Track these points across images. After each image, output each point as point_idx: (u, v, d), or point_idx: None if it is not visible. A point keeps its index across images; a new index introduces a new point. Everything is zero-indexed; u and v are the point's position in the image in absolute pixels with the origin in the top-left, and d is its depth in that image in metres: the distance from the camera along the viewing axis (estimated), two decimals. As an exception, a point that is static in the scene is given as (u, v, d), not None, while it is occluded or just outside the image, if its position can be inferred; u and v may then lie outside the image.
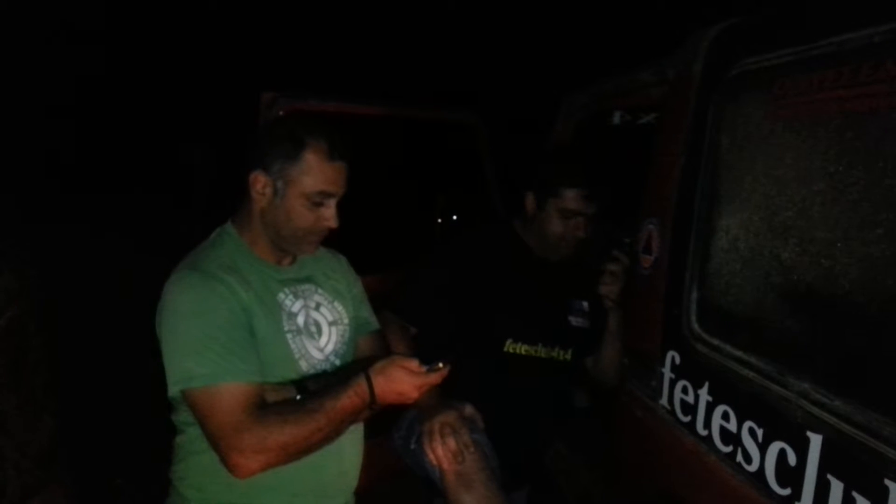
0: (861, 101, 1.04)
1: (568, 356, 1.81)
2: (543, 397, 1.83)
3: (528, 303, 1.77)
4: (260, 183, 1.28)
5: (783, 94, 1.22)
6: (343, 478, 1.41)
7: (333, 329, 1.41)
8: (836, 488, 1.00)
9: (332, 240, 1.40)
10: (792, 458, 1.10)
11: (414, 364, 1.23)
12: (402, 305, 1.72)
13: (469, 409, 1.45)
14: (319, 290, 1.43)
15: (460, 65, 6.99)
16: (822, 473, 1.04)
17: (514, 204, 1.89)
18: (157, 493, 1.41)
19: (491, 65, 7.00)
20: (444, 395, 1.44)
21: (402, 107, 3.02)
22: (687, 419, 1.43)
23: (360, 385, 1.21)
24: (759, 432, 1.19)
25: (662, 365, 1.53)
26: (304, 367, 1.32)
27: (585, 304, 1.85)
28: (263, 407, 1.19)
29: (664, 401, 1.52)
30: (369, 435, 1.47)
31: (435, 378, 1.25)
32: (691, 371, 1.43)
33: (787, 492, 1.11)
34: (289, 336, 1.31)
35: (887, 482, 0.92)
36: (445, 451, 1.34)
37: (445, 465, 1.34)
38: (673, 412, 1.48)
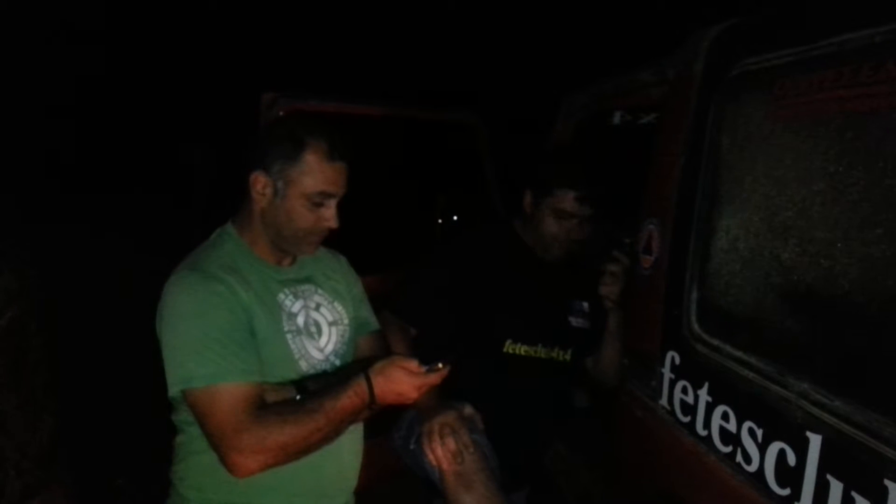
0: (861, 101, 1.04)
1: (568, 357, 1.81)
2: (543, 398, 1.83)
3: (527, 303, 1.77)
4: (260, 183, 1.28)
5: (783, 95, 1.22)
6: (342, 477, 1.41)
7: (333, 329, 1.41)
8: (836, 488, 1.00)
9: (332, 240, 1.40)
10: (791, 459, 1.10)
11: (413, 364, 1.23)
12: (401, 306, 1.72)
13: (468, 410, 1.45)
14: (319, 291, 1.43)
15: (460, 65, 6.99)
16: (822, 474, 1.04)
17: (514, 204, 1.89)
18: (157, 493, 1.41)
19: (491, 65, 7.00)
20: (443, 396, 1.44)
21: (402, 107, 3.02)
22: (687, 419, 1.43)
23: (359, 385, 1.21)
24: (759, 432, 1.19)
25: (662, 365, 1.53)
26: (304, 367, 1.32)
27: (585, 304, 1.85)
28: (263, 407, 1.19)
29: (664, 401, 1.52)
30: (369, 435, 1.47)
31: (434, 378, 1.25)
32: (691, 371, 1.43)
33: (786, 492, 1.11)
34: (289, 336, 1.31)
35: (887, 482, 0.92)
36: (445, 451, 1.34)
37: (445, 466, 1.35)
38: (673, 412, 1.48)
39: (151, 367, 1.30)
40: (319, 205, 1.29)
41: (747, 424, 1.22)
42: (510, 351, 1.75)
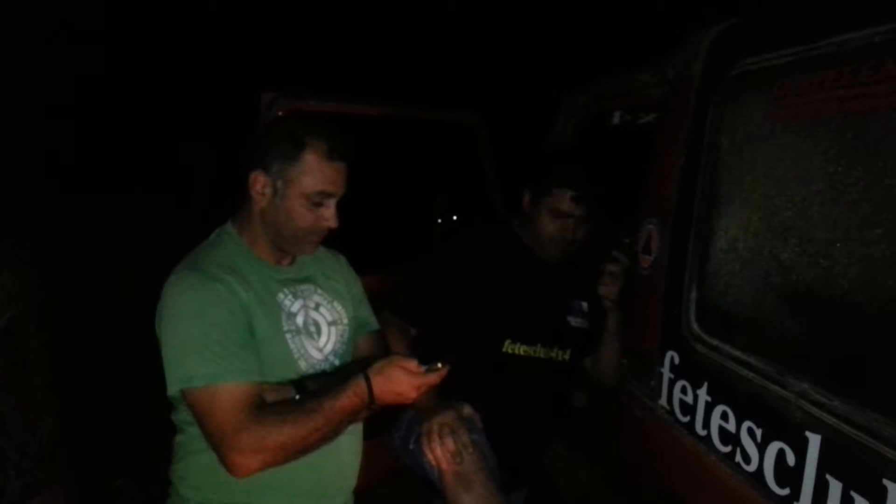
0: (861, 101, 1.04)
1: (567, 356, 1.81)
2: (542, 398, 1.83)
3: (527, 303, 1.77)
4: (260, 183, 1.28)
5: (783, 95, 1.22)
6: (342, 477, 1.41)
7: (332, 329, 1.41)
8: (835, 488, 1.00)
9: (331, 240, 1.40)
10: (791, 458, 1.10)
11: (413, 364, 1.23)
12: (401, 306, 1.72)
13: (467, 410, 1.45)
14: (319, 291, 1.43)
15: (460, 65, 6.99)
16: (821, 473, 1.04)
17: (513, 204, 1.89)
18: (157, 493, 1.41)
19: (491, 65, 7.00)
20: (442, 396, 1.44)
21: (402, 107, 3.02)
22: (686, 419, 1.43)
23: (358, 385, 1.21)
24: (758, 432, 1.19)
25: (661, 365, 1.53)
26: (304, 366, 1.32)
27: (585, 304, 1.85)
28: (262, 407, 1.19)
29: (663, 401, 1.52)
30: (368, 435, 1.47)
31: (434, 378, 1.25)
32: (690, 371, 1.43)
33: (785, 492, 1.11)
34: (288, 336, 1.31)
35: (886, 482, 0.92)
36: (444, 451, 1.34)
37: (444, 466, 1.35)
38: (672, 412, 1.48)
39: (151, 366, 1.30)
40: (319, 204, 1.29)
41: (747, 424, 1.22)
42: (509, 351, 1.75)
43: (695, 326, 1.42)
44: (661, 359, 1.54)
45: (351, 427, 1.32)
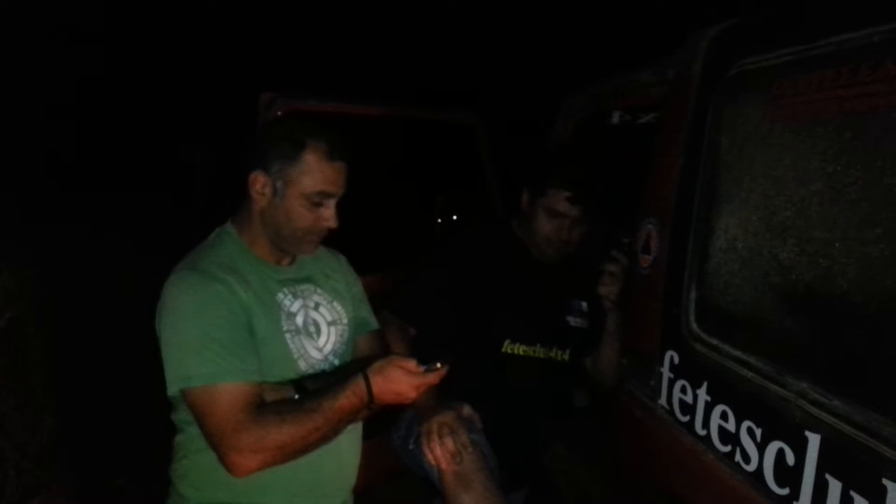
0: (860, 100, 1.04)
1: (566, 356, 1.81)
2: (542, 398, 1.83)
3: (526, 303, 1.77)
4: (259, 183, 1.28)
5: (782, 94, 1.22)
6: (341, 477, 1.41)
7: (332, 329, 1.41)
8: (835, 488, 1.00)
9: (331, 240, 1.40)
10: (790, 458, 1.10)
11: (412, 364, 1.23)
12: (400, 306, 1.72)
13: (467, 410, 1.45)
14: (319, 290, 1.43)
15: (460, 65, 6.99)
16: (821, 473, 1.04)
17: (513, 204, 1.90)
18: (157, 493, 1.41)
19: (491, 65, 7.00)
20: (442, 396, 1.44)
21: (402, 107, 3.02)
22: (686, 419, 1.43)
23: (357, 385, 1.21)
24: (758, 432, 1.19)
25: (661, 365, 1.53)
26: (303, 366, 1.32)
27: (584, 304, 1.85)
28: (262, 406, 1.19)
29: (663, 400, 1.52)
30: (368, 434, 1.47)
31: (433, 378, 1.25)
32: (690, 371, 1.43)
33: (785, 491, 1.11)
34: (287, 336, 1.31)
35: (885, 482, 0.92)
36: (443, 451, 1.34)
37: (444, 466, 1.35)
38: (672, 412, 1.48)
39: (151, 366, 1.30)
40: (318, 205, 1.29)
41: (746, 424, 1.22)
42: (509, 351, 1.75)
43: (694, 326, 1.42)
44: (660, 358, 1.54)
45: (350, 427, 1.32)
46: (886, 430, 0.93)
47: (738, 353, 1.28)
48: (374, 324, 1.54)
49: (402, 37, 7.32)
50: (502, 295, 1.75)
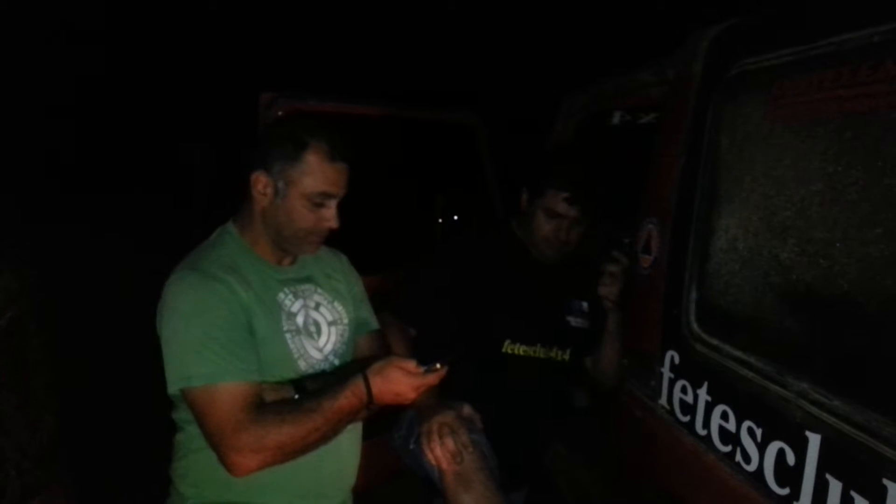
0: (860, 101, 1.04)
1: (566, 356, 1.82)
2: (542, 398, 1.83)
3: (526, 303, 1.77)
4: (261, 183, 1.29)
5: (782, 94, 1.22)
6: (341, 476, 1.41)
7: (333, 329, 1.41)
8: (835, 488, 1.01)
9: (332, 240, 1.40)
10: (791, 458, 1.10)
11: (411, 365, 1.23)
12: (400, 307, 1.72)
13: (467, 410, 1.45)
14: (319, 290, 1.43)
15: (460, 65, 6.99)
16: (821, 473, 1.04)
17: (513, 204, 1.90)
18: (158, 492, 1.41)
19: (491, 65, 7.00)
20: (442, 396, 1.44)
21: (402, 107, 3.02)
22: (686, 419, 1.43)
23: (357, 385, 1.21)
24: (758, 432, 1.19)
25: (662, 365, 1.53)
26: (303, 366, 1.32)
27: (584, 304, 1.85)
28: (261, 406, 1.19)
29: (663, 400, 1.52)
30: (367, 434, 1.47)
31: (432, 379, 1.25)
32: (690, 371, 1.43)
33: (785, 491, 1.11)
34: (288, 336, 1.31)
35: (885, 482, 0.92)
36: (444, 451, 1.34)
37: (444, 465, 1.35)
38: (672, 412, 1.48)
39: (151, 366, 1.30)
40: (320, 205, 1.29)
41: (747, 424, 1.22)
42: (509, 351, 1.75)
43: (695, 326, 1.42)
44: (661, 359, 1.54)
45: (350, 426, 1.32)
46: (886, 430, 0.93)
47: (738, 354, 1.28)
48: (374, 324, 1.54)
49: (402, 37, 7.32)
50: (502, 295, 1.75)
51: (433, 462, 1.36)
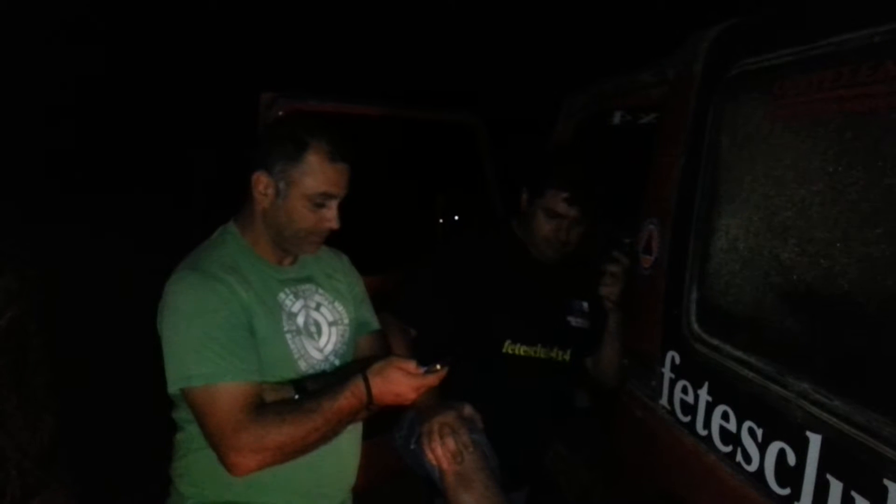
0: (861, 101, 1.04)
1: (567, 357, 1.81)
2: (542, 398, 1.83)
3: (526, 303, 1.77)
4: (262, 183, 1.29)
5: (783, 95, 1.22)
6: (341, 476, 1.41)
7: (333, 329, 1.41)
8: (836, 488, 1.00)
9: (333, 240, 1.40)
10: (791, 458, 1.10)
11: (411, 366, 1.23)
12: (401, 307, 1.72)
13: (468, 410, 1.45)
14: (320, 290, 1.43)
15: (460, 65, 6.99)
16: (822, 473, 1.04)
17: (513, 204, 1.90)
18: (157, 492, 1.41)
19: (491, 65, 7.00)
20: (443, 396, 1.44)
21: (402, 107, 3.02)
22: (687, 419, 1.43)
23: (357, 386, 1.21)
24: (759, 432, 1.19)
25: (662, 365, 1.53)
26: (303, 367, 1.32)
27: (585, 304, 1.85)
28: (261, 406, 1.19)
29: (664, 401, 1.52)
30: (368, 434, 1.47)
31: (432, 380, 1.25)
32: (691, 371, 1.43)
33: (786, 491, 1.11)
34: (288, 336, 1.31)
35: (886, 482, 0.92)
36: (444, 451, 1.34)
37: (445, 465, 1.35)
38: (673, 412, 1.48)
39: (152, 366, 1.30)
40: (321, 205, 1.29)
41: (747, 424, 1.22)
42: (509, 351, 1.75)
43: (695, 326, 1.42)
44: (661, 359, 1.54)
45: (350, 427, 1.32)
46: (887, 431, 0.93)
47: (739, 354, 1.27)
48: (375, 324, 1.53)
49: (402, 37, 7.32)
50: (503, 295, 1.75)
51: (434, 462, 1.36)
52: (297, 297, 1.36)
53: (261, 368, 1.24)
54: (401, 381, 1.23)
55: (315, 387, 1.27)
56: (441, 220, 3.07)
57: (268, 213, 1.31)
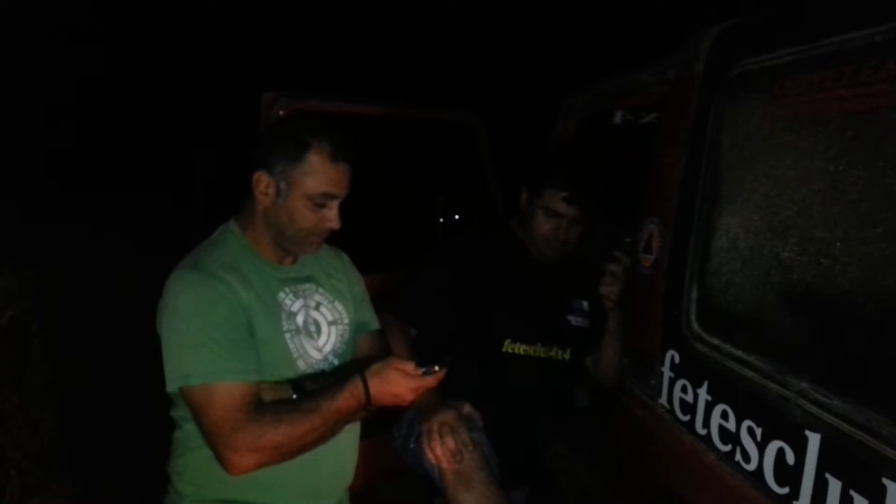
0: (861, 100, 1.04)
1: (567, 356, 1.82)
2: (542, 397, 1.83)
3: (526, 302, 1.77)
4: (263, 183, 1.29)
5: (784, 94, 1.22)
6: (339, 476, 1.41)
7: (333, 329, 1.41)
8: (835, 487, 1.01)
9: (334, 239, 1.40)
10: (790, 457, 1.10)
11: (410, 367, 1.23)
12: (401, 307, 1.72)
13: (468, 409, 1.45)
14: (320, 290, 1.43)
15: (460, 65, 6.99)
16: (821, 472, 1.04)
17: (513, 204, 1.90)
18: (156, 490, 1.41)
19: (491, 65, 7.00)
20: (442, 395, 1.44)
21: (402, 107, 3.02)
22: (686, 418, 1.43)
23: (355, 386, 1.21)
24: (758, 431, 1.19)
25: (662, 364, 1.53)
26: (302, 366, 1.32)
27: (585, 303, 1.85)
28: (259, 406, 1.19)
29: (663, 400, 1.52)
30: (366, 434, 1.47)
31: (431, 381, 1.25)
32: (691, 370, 1.43)
33: (785, 491, 1.11)
34: (287, 336, 1.31)
35: (885, 481, 0.92)
36: (444, 450, 1.34)
37: (444, 465, 1.35)
38: (672, 411, 1.48)
39: (151, 366, 1.30)
40: (322, 205, 1.29)
41: (746, 423, 1.22)
42: (509, 350, 1.75)
43: (695, 326, 1.42)
44: (661, 358, 1.54)
45: (349, 426, 1.32)
46: (886, 430, 0.93)
47: (738, 353, 1.28)
48: (375, 324, 1.53)
49: (402, 36, 7.32)
50: (503, 295, 1.75)
51: (433, 461, 1.37)
52: (296, 296, 1.37)
53: (259, 368, 1.24)
54: (399, 382, 1.23)
55: (313, 386, 1.27)
56: (441, 220, 3.06)
57: (269, 212, 1.31)
